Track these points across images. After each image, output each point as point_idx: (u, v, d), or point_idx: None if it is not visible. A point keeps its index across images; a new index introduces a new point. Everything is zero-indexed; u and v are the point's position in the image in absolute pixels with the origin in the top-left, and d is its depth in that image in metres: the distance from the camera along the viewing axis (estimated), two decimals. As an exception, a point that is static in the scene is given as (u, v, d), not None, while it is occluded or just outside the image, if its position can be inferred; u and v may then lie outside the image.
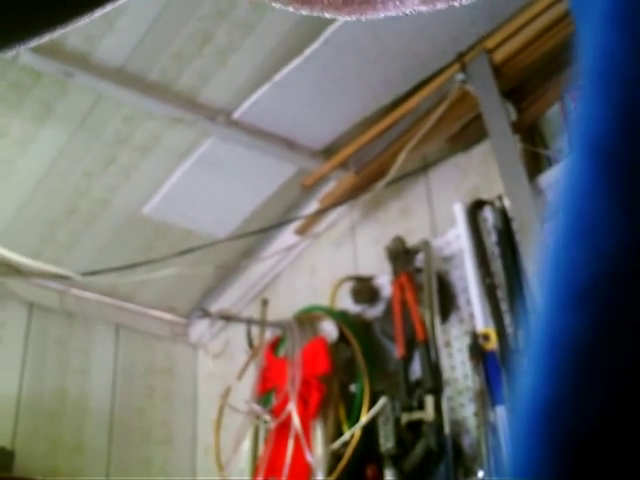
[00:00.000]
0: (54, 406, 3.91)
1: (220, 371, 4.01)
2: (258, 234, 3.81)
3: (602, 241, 0.36)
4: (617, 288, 0.36)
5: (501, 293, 2.57)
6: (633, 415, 0.34)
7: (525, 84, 2.77)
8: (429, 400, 2.57)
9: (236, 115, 3.19)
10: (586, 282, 0.36)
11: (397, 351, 2.78)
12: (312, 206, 3.62)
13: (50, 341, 4.04)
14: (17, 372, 3.86)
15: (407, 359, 2.75)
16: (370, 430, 2.73)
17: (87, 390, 4.04)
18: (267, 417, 3.06)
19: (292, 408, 2.91)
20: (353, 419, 2.82)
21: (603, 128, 0.37)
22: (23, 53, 2.83)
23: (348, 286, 3.19)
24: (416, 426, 2.59)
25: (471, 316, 2.65)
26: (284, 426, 2.98)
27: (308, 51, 2.87)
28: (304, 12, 0.55)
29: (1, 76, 3.04)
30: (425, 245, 2.89)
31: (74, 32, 2.89)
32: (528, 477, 0.36)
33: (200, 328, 4.34)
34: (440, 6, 0.51)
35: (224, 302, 4.12)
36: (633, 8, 0.38)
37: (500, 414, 2.35)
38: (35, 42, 0.51)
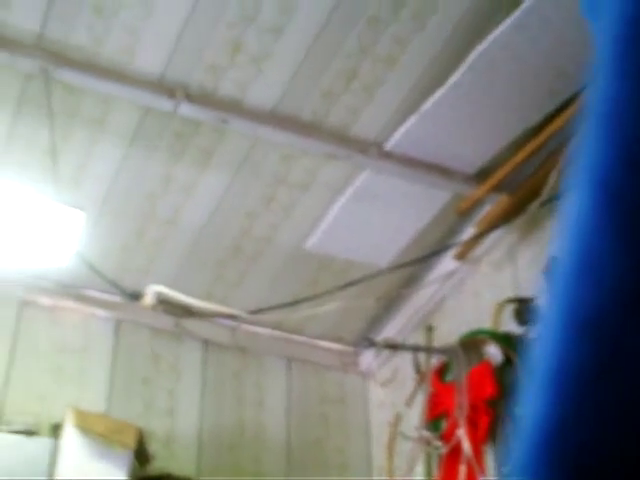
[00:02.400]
0: (234, 437, 4.04)
1: (390, 398, 4.04)
2: (419, 262, 3.83)
3: (606, 276, 0.39)
4: (619, 321, 0.38)
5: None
6: (632, 441, 0.37)
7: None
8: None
9: (388, 147, 3.24)
10: (590, 315, 0.39)
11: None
12: (469, 231, 3.61)
13: (226, 376, 4.18)
14: (197, 406, 4.02)
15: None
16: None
17: (264, 421, 4.15)
18: (438, 443, 3.07)
19: (462, 434, 2.92)
20: (523, 442, 2.79)
21: (608, 167, 0.40)
22: (181, 105, 2.99)
23: (512, 308, 3.17)
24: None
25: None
26: (455, 451, 2.98)
27: (452, 79, 2.89)
28: None
29: (165, 128, 3.21)
30: (585, 263, 2.83)
31: (225, 80, 3.03)
32: None
33: (368, 357, 4.38)
34: None
35: (390, 330, 4.16)
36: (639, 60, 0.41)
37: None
38: None
